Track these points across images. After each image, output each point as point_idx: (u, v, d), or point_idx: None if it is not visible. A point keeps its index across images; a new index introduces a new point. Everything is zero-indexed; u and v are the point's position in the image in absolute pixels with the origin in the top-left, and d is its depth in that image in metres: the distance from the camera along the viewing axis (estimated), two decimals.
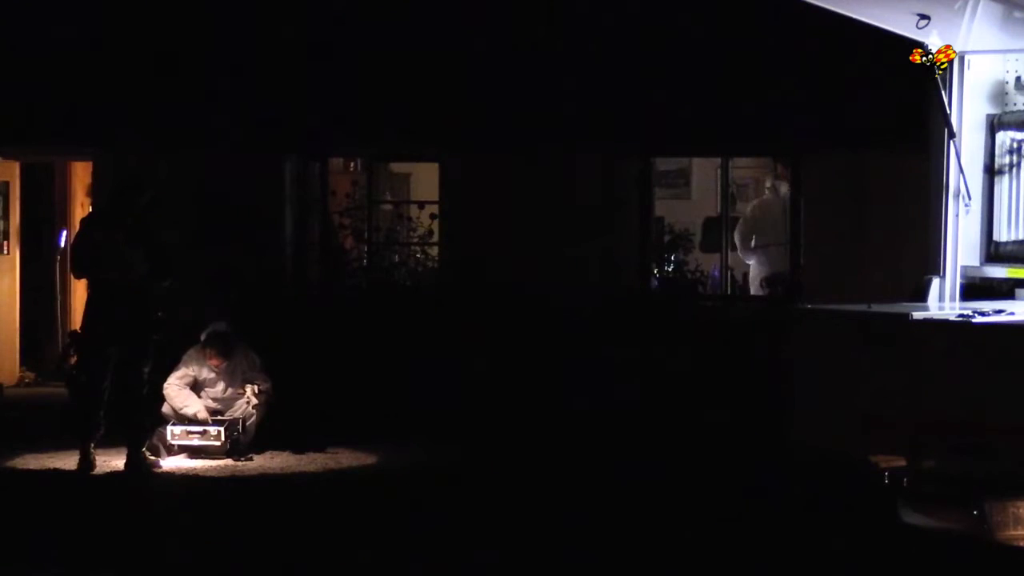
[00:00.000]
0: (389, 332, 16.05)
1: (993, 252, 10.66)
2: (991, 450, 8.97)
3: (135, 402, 13.17)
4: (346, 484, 12.87)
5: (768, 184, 17.06)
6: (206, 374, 14.07)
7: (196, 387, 14.06)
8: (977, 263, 10.67)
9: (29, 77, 16.80)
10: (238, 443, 13.77)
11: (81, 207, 18.23)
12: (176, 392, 13.90)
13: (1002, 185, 10.65)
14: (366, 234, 17.37)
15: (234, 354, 14.08)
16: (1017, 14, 10.50)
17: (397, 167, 19.64)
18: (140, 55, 16.67)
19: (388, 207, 18.71)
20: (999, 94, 10.68)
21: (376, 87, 16.49)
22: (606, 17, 16.02)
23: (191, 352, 14.11)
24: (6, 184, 17.77)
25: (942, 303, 10.51)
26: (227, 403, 14.03)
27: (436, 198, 17.34)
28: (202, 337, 14.06)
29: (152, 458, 13.41)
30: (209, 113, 16.58)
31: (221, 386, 14.06)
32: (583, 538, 10.69)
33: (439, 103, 16.39)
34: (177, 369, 14.01)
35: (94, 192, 17.71)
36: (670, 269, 17.18)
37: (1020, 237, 10.57)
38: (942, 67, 10.24)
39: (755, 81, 15.59)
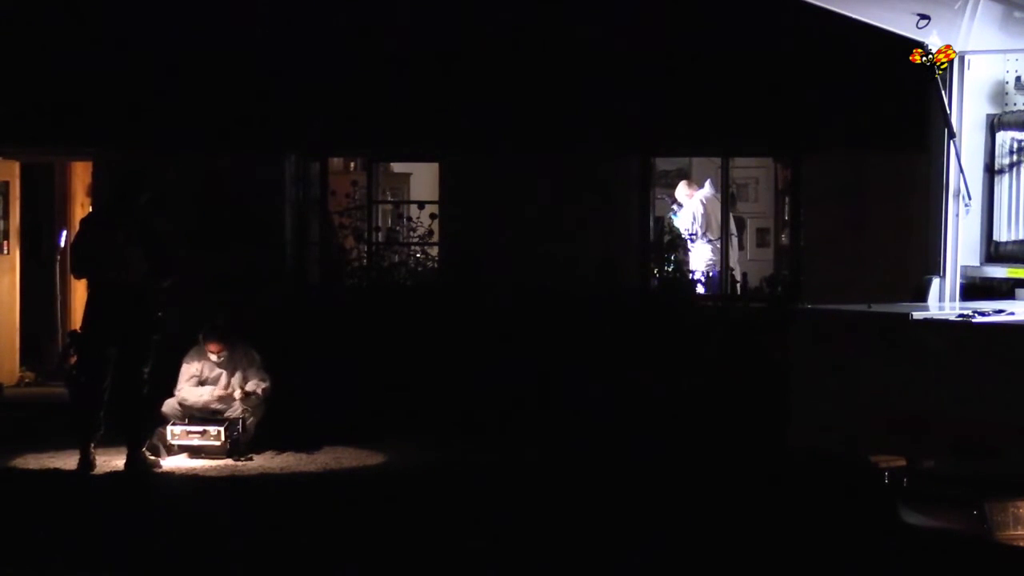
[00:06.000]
0: (389, 332, 16.06)
1: (993, 252, 10.65)
2: (991, 450, 8.97)
3: (135, 402, 13.17)
4: (347, 484, 12.87)
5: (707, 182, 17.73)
6: (207, 371, 14.08)
7: (199, 384, 14.08)
8: (977, 263, 10.67)
9: (29, 77, 16.80)
10: (238, 443, 13.78)
11: (81, 207, 18.23)
12: (189, 391, 13.95)
13: (1002, 185, 10.64)
14: (366, 234, 17.37)
15: (234, 346, 14.08)
16: (1017, 14, 10.50)
17: (397, 167, 19.67)
18: (140, 55, 16.67)
19: (388, 207, 18.72)
20: (999, 94, 10.68)
21: (376, 87, 16.49)
22: (606, 17, 16.02)
23: (192, 352, 14.13)
24: (6, 184, 17.76)
25: (942, 303, 10.51)
26: (229, 400, 14.04)
27: (436, 198, 17.36)
28: (201, 332, 14.09)
29: (152, 458, 13.41)
30: (209, 113, 16.59)
31: (223, 381, 14.06)
32: (583, 538, 10.70)
33: (439, 103, 16.39)
34: (182, 372, 14.03)
35: (94, 192, 17.72)
36: (670, 269, 17.22)
37: (1020, 237, 10.57)
38: (942, 67, 10.24)
39: (755, 81, 15.60)
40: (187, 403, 13.91)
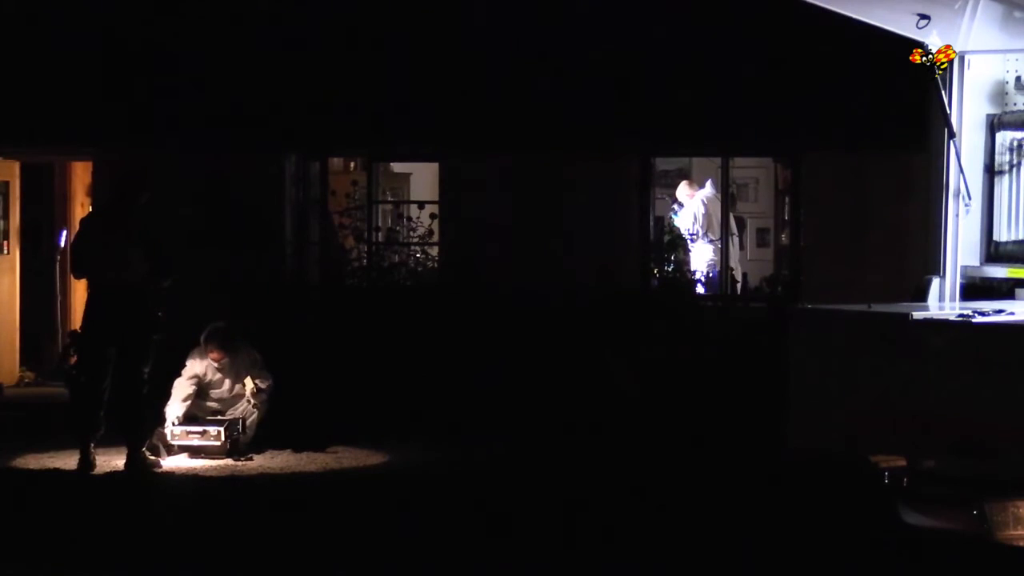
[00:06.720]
0: (389, 332, 16.05)
1: (993, 252, 10.66)
2: (991, 450, 8.97)
3: (135, 402, 13.16)
4: (347, 484, 12.87)
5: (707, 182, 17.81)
6: (211, 375, 14.07)
7: (201, 388, 14.06)
8: (977, 263, 10.67)
9: (29, 77, 16.80)
10: (238, 443, 13.78)
11: (81, 207, 18.23)
12: (174, 392, 13.91)
13: (1002, 185, 10.65)
14: (366, 234, 17.37)
15: (236, 350, 14.08)
16: (1017, 14, 10.50)
17: (397, 167, 19.66)
18: (140, 55, 16.67)
19: (388, 207, 18.72)
20: (999, 94, 10.68)
21: (376, 87, 16.49)
22: (606, 17, 16.02)
23: (194, 353, 14.12)
24: (6, 184, 17.76)
25: (942, 303, 10.52)
26: (231, 403, 14.04)
27: (436, 198, 17.36)
28: (202, 337, 14.08)
29: (152, 458, 13.41)
30: (209, 113, 16.59)
31: (226, 385, 14.06)
32: (584, 538, 10.70)
33: (439, 103, 16.39)
34: (184, 369, 14.02)
35: (94, 192, 17.71)
36: (670, 269, 17.23)
37: (1020, 237, 10.57)
38: (942, 67, 10.24)
39: (755, 81, 15.60)
40: (180, 417, 13.89)
